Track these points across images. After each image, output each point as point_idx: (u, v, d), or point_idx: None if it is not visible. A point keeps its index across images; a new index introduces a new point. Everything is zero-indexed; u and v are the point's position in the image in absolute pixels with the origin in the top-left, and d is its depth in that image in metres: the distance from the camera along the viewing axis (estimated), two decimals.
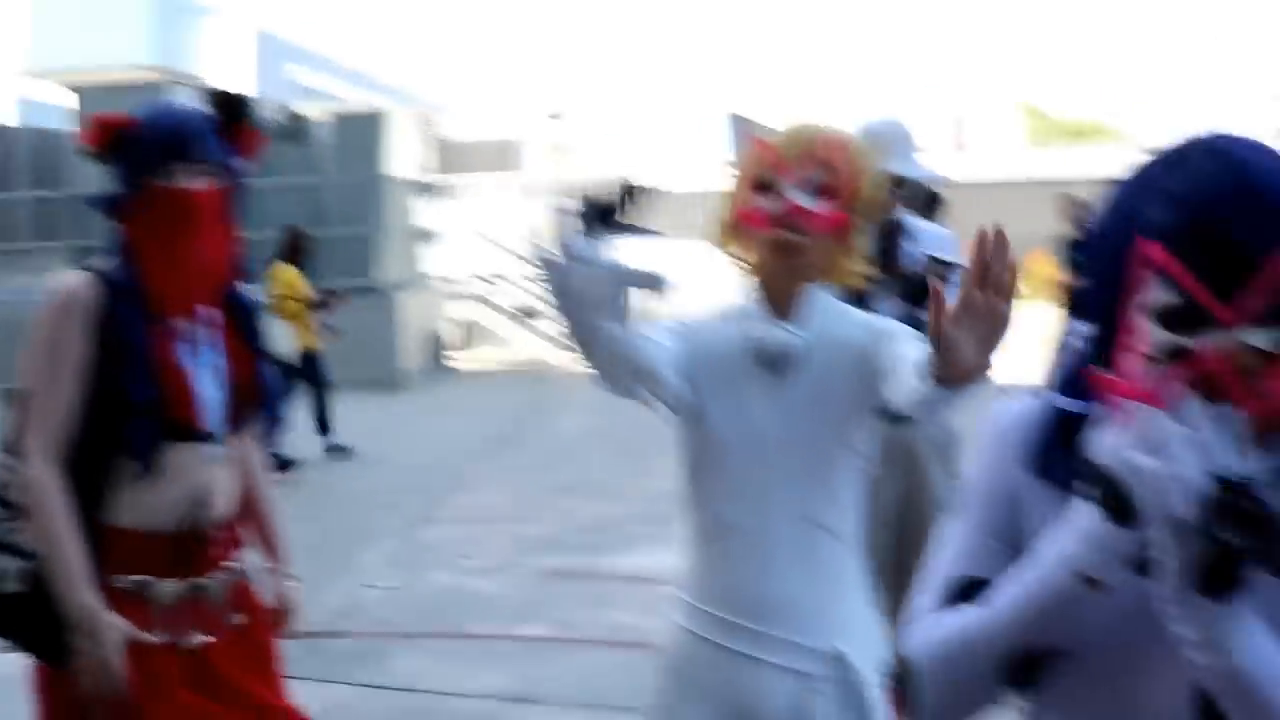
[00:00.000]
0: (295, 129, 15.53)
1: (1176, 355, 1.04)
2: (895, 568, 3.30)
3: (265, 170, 14.81)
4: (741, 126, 1.73)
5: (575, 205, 1.58)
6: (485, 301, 16.57)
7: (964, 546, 1.24)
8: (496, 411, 10.89)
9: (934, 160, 3.48)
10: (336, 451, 9.15)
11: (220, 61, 18.48)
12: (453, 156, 20.16)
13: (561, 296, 1.59)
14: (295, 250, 9.26)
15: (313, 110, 16.41)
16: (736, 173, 1.97)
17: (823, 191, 1.87)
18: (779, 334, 1.89)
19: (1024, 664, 1.14)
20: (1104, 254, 1.13)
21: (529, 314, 16.15)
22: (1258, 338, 1.02)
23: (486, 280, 16.58)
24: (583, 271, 1.56)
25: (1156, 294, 1.05)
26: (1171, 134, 1.13)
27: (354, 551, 6.27)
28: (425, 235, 16.12)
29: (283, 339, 8.95)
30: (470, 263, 16.45)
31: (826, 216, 1.87)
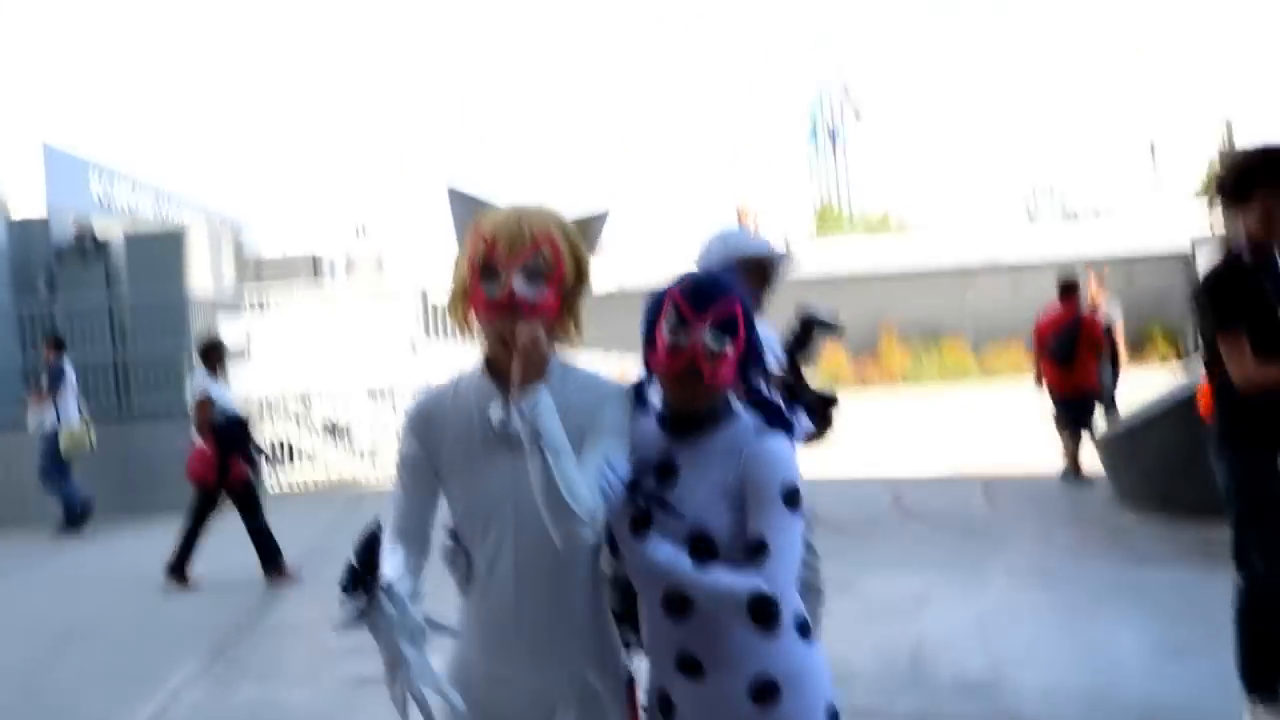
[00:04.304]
0: (92, 246, 15.34)
1: (678, 346, 2.15)
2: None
3: (62, 289, 14.62)
4: (458, 201, 2.01)
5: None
6: (296, 420, 16.52)
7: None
8: (308, 528, 10.99)
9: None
10: None
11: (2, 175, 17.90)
12: (260, 272, 20.12)
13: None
14: None
15: (112, 226, 16.24)
16: (460, 254, 2.15)
17: (538, 276, 2.07)
18: (508, 413, 2.08)
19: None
20: (650, 310, 2.24)
21: (339, 431, 16.20)
22: (712, 338, 2.14)
23: (298, 399, 16.54)
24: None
25: (670, 316, 2.17)
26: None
27: (164, 670, 6.40)
28: (235, 354, 16.03)
29: None
30: (282, 380, 16.38)
31: (542, 304, 2.08)
